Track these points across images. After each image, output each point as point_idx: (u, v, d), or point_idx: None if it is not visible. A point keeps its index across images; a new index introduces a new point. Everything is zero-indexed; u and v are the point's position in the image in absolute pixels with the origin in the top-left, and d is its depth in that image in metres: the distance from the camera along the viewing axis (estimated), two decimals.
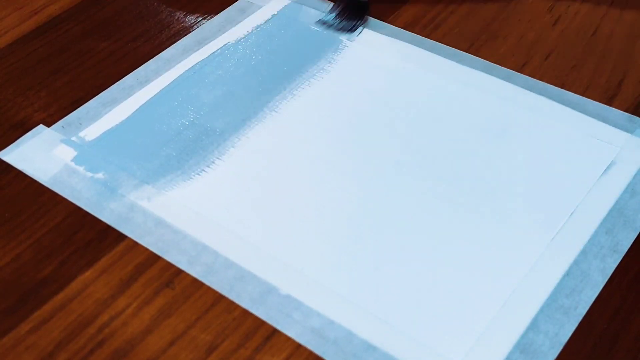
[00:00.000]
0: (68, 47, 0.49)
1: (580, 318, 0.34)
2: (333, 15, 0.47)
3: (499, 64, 0.46)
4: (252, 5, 0.51)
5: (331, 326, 0.34)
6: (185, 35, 0.49)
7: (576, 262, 0.36)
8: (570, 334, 0.34)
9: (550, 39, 0.48)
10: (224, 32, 0.49)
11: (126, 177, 0.41)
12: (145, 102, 0.45)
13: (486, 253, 0.37)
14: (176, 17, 0.51)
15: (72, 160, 0.42)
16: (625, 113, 0.43)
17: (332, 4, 0.48)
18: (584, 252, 0.36)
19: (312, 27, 0.49)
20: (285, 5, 0.51)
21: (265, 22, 0.49)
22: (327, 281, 0.36)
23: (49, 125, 0.44)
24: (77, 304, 0.36)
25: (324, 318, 0.34)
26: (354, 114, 0.44)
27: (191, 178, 0.41)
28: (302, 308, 0.35)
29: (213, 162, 0.41)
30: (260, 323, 0.35)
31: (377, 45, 0.47)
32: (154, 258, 0.37)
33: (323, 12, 0.50)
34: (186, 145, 0.42)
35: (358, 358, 0.33)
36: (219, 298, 0.36)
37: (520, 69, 0.46)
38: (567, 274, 0.36)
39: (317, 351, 0.33)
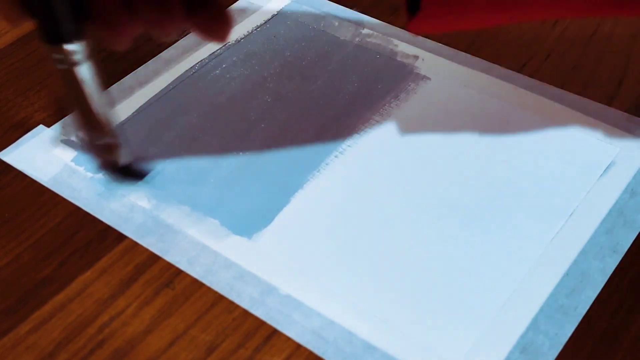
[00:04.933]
0: None
1: (580, 318, 0.34)
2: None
3: (499, 64, 0.46)
4: (252, 5, 0.51)
5: (331, 326, 0.34)
6: (185, 35, 0.49)
7: (576, 262, 0.36)
8: (570, 334, 0.34)
9: (550, 39, 0.48)
10: None
11: None
12: (145, 103, 0.45)
13: (486, 253, 0.37)
14: None
15: (72, 161, 0.42)
16: (625, 113, 0.43)
17: None
18: (583, 252, 0.36)
19: (313, 27, 0.49)
20: (286, 5, 0.51)
21: (266, 22, 0.50)
22: (327, 281, 0.36)
23: (49, 125, 0.44)
24: (77, 304, 0.36)
25: (324, 318, 0.35)
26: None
27: (191, 178, 0.41)
28: (302, 308, 0.35)
29: (214, 162, 0.41)
30: (260, 323, 0.35)
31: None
32: (154, 258, 0.37)
33: (323, 12, 0.50)
34: (186, 145, 0.42)
35: (358, 358, 0.33)
36: (219, 298, 0.36)
37: (520, 69, 0.46)
38: (567, 274, 0.36)
39: (317, 351, 0.34)
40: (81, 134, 0.38)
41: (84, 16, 0.33)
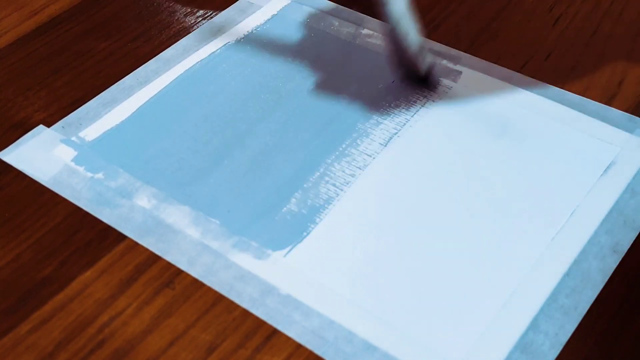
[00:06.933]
0: (68, 47, 0.49)
1: (580, 318, 0.34)
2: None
3: (499, 64, 0.46)
4: (252, 5, 0.51)
5: (331, 326, 0.34)
6: (185, 35, 0.49)
7: (576, 262, 0.36)
8: (570, 334, 0.34)
9: (550, 39, 0.48)
10: (224, 32, 0.49)
11: (126, 177, 0.41)
12: (145, 102, 0.45)
13: (486, 253, 0.37)
14: (176, 17, 0.51)
15: (72, 161, 0.42)
16: (625, 113, 0.43)
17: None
18: (584, 252, 0.36)
19: (313, 27, 0.49)
20: (286, 5, 0.51)
21: (265, 22, 0.50)
22: (327, 281, 0.36)
23: (49, 125, 0.44)
24: (77, 304, 0.36)
25: (324, 318, 0.35)
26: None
27: (191, 178, 0.41)
28: (302, 308, 0.35)
29: (214, 162, 0.41)
30: (260, 323, 0.35)
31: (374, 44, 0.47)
32: (154, 258, 0.37)
33: (323, 12, 0.50)
34: (186, 145, 0.42)
35: (358, 358, 0.33)
36: (219, 298, 0.36)
37: (520, 69, 0.46)
38: (567, 274, 0.36)
39: (317, 351, 0.34)
40: (392, 48, 0.43)
41: None
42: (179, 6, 0.52)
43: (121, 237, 0.38)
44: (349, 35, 0.48)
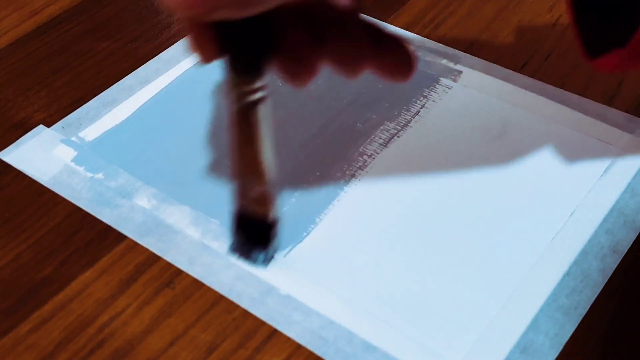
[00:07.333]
0: (68, 47, 0.49)
1: (580, 318, 0.34)
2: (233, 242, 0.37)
3: (499, 64, 0.46)
4: None
5: (331, 326, 0.34)
6: (185, 35, 0.49)
7: (576, 262, 0.36)
8: (570, 334, 0.34)
9: (550, 39, 0.48)
10: None
11: (126, 177, 0.41)
12: (145, 102, 0.45)
13: (486, 253, 0.37)
14: (176, 17, 0.51)
15: (72, 161, 0.42)
16: (625, 113, 0.43)
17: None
18: (584, 252, 0.36)
19: None
20: None
21: None
22: (327, 281, 0.36)
23: (49, 125, 0.44)
24: (77, 304, 0.36)
25: (324, 318, 0.35)
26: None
27: (191, 178, 0.41)
28: (302, 308, 0.35)
29: (214, 163, 0.41)
30: (260, 323, 0.35)
31: None
32: (154, 258, 0.37)
33: None
34: (186, 145, 0.42)
35: (358, 358, 0.33)
36: (219, 298, 0.36)
37: (520, 69, 0.46)
38: (567, 274, 0.36)
39: (317, 351, 0.34)
40: (236, 181, 0.34)
41: (272, 50, 0.32)
42: None
43: (121, 237, 0.38)
44: None
